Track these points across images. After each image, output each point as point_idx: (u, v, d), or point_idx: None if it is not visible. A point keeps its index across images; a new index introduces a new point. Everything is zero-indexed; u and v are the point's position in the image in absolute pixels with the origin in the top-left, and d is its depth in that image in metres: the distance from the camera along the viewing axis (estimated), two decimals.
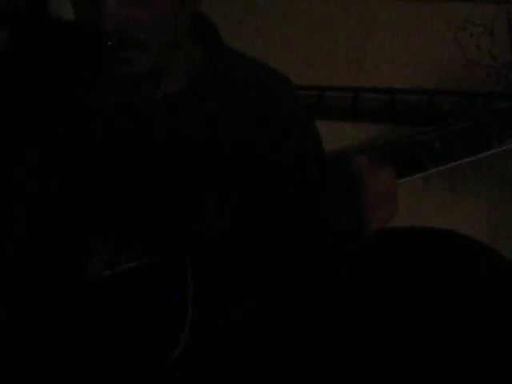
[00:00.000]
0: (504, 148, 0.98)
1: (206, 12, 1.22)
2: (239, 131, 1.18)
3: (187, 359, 1.03)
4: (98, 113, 1.17)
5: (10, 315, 1.08)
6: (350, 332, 1.32)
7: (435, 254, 1.51)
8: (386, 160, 0.98)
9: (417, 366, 1.44)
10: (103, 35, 1.02)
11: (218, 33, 1.23)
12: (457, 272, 1.51)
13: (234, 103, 1.20)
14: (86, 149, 1.11)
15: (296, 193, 1.02)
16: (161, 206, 1.05)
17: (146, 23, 1.06)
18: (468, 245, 1.52)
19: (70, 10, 1.88)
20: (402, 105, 2.20)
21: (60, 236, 1.08)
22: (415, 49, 2.20)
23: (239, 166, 1.12)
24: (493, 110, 0.98)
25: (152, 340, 1.04)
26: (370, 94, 2.21)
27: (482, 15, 2.16)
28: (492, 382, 1.49)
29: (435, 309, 1.47)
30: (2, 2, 1.89)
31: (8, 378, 1.06)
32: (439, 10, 2.18)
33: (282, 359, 1.20)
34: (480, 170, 1.92)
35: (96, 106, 1.18)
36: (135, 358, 1.04)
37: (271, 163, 1.12)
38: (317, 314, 1.22)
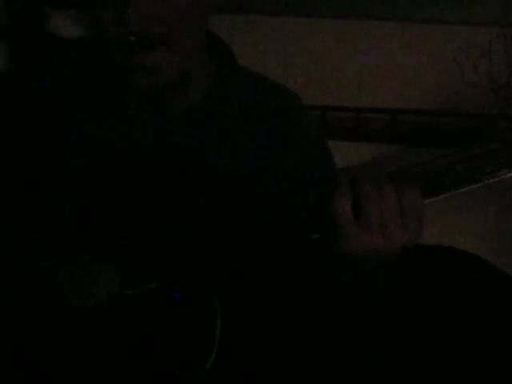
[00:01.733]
0: None
1: None
2: (257, 149, 1.19)
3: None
4: (116, 126, 1.17)
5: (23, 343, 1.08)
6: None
7: (444, 272, 1.51)
8: (412, 180, 0.99)
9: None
10: (127, 32, 1.03)
11: (232, 51, 1.24)
12: (465, 290, 1.51)
13: (251, 122, 1.21)
14: (103, 163, 1.11)
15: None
16: (179, 230, 1.05)
17: (168, 20, 1.06)
18: (477, 264, 1.53)
19: (67, 26, 1.90)
20: (404, 125, 2.22)
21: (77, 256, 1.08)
22: (415, 70, 2.22)
23: (260, 186, 1.14)
24: None
25: (176, 364, 1.03)
26: (372, 114, 2.23)
27: (479, 38, 2.19)
28: None
29: (442, 326, 1.47)
30: (2, 19, 1.91)
31: None
32: (438, 33, 2.20)
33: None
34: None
35: (114, 119, 1.18)
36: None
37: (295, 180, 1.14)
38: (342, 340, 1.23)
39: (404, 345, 1.48)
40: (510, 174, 0.98)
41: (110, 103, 1.19)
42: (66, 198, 1.10)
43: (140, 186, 1.08)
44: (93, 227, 1.08)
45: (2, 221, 1.12)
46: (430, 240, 1.89)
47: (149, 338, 1.05)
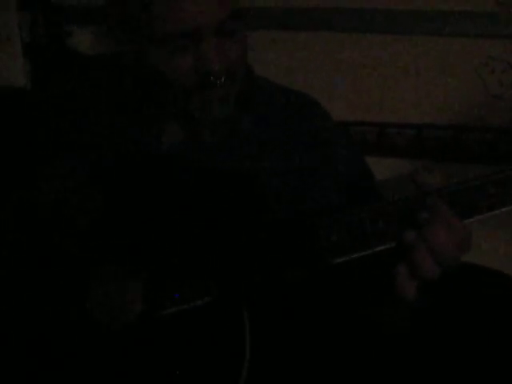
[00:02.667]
0: None
1: None
2: (284, 158, 1.23)
3: None
4: (160, 150, 1.23)
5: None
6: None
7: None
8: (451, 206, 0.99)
9: None
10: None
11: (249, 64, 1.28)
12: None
13: (274, 131, 1.26)
14: (141, 182, 1.13)
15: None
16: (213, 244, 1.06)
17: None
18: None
19: (88, 43, 1.91)
20: (429, 140, 2.21)
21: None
22: (438, 84, 2.21)
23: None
24: None
25: None
26: (395, 129, 2.22)
27: (503, 51, 2.17)
28: None
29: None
30: (25, 37, 1.94)
31: None
32: (461, 46, 2.19)
33: None
34: None
35: (160, 143, 1.24)
36: None
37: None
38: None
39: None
40: None
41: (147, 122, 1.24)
42: (88, 207, 1.11)
43: (172, 198, 1.10)
44: (117, 236, 1.10)
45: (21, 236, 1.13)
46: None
47: (177, 357, 1.04)
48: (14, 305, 1.10)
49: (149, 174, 1.15)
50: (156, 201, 1.10)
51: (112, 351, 1.06)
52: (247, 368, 1.01)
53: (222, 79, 1.13)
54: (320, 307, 1.18)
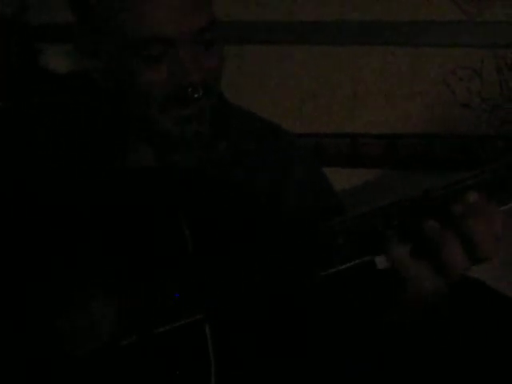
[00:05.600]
0: None
1: None
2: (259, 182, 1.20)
3: None
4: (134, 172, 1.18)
5: None
6: None
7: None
8: None
9: None
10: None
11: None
12: None
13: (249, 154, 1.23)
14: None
15: None
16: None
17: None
18: None
19: (60, 62, 1.89)
20: (399, 150, 2.22)
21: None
22: (407, 94, 2.23)
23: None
24: None
25: None
26: (367, 140, 2.24)
27: (470, 59, 2.20)
28: None
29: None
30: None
31: None
32: (429, 55, 2.21)
33: None
34: None
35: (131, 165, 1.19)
36: None
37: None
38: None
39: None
40: None
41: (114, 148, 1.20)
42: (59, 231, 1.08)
43: (146, 217, 1.07)
44: (89, 260, 1.05)
45: None
46: None
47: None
48: None
49: (118, 191, 1.11)
50: (129, 223, 1.07)
51: (74, 376, 1.03)
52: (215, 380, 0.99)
53: (200, 92, 1.08)
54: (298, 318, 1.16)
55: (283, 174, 1.23)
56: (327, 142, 2.23)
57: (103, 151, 1.19)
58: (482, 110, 2.24)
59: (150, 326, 1.01)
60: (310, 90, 2.26)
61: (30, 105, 1.28)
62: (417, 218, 0.94)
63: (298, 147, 1.30)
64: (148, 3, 1.03)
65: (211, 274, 1.01)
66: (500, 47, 2.16)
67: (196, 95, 1.07)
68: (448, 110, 2.22)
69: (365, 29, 2.18)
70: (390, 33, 2.18)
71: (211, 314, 1.01)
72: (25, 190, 1.15)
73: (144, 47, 1.05)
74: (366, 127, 2.24)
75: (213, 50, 1.10)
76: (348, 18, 2.19)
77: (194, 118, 1.11)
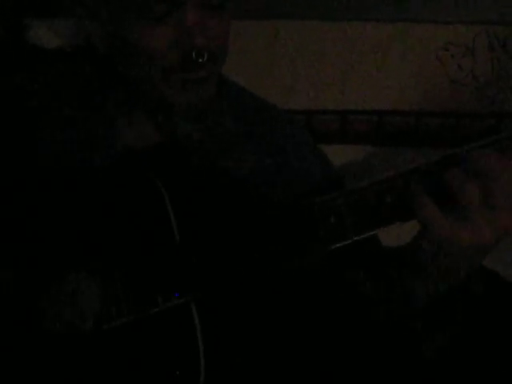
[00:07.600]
0: None
1: None
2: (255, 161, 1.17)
3: None
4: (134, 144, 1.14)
5: None
6: None
7: None
8: None
9: None
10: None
11: None
12: None
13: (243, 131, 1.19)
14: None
15: None
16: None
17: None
18: None
19: (47, 36, 1.87)
20: (389, 126, 2.22)
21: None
22: (398, 70, 2.23)
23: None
24: None
25: None
26: (357, 116, 2.24)
27: (463, 36, 2.19)
28: None
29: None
30: None
31: None
32: (421, 32, 2.21)
33: None
34: None
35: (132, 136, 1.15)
36: None
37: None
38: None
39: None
40: None
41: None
42: (52, 210, 1.05)
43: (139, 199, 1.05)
44: (79, 241, 1.03)
45: None
46: None
47: (132, 365, 1.00)
48: None
49: (108, 171, 1.08)
50: (125, 203, 1.04)
51: (59, 358, 1.02)
52: (204, 366, 0.98)
53: (205, 57, 1.02)
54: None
55: (279, 155, 1.20)
56: (317, 119, 2.23)
57: (99, 127, 1.14)
58: (474, 87, 2.24)
59: (135, 310, 1.00)
60: (299, 66, 2.25)
61: (20, 80, 1.27)
62: (441, 168, 0.90)
63: (294, 126, 1.27)
64: None
65: (201, 255, 0.99)
66: (493, 23, 2.16)
67: (200, 60, 1.02)
68: (439, 86, 2.22)
69: (356, 4, 2.17)
70: (382, 8, 2.17)
71: (199, 299, 1.00)
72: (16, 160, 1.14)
73: (147, 6, 1.00)
74: (357, 103, 2.23)
75: (221, 16, 1.05)
76: None
77: (198, 83, 1.06)
